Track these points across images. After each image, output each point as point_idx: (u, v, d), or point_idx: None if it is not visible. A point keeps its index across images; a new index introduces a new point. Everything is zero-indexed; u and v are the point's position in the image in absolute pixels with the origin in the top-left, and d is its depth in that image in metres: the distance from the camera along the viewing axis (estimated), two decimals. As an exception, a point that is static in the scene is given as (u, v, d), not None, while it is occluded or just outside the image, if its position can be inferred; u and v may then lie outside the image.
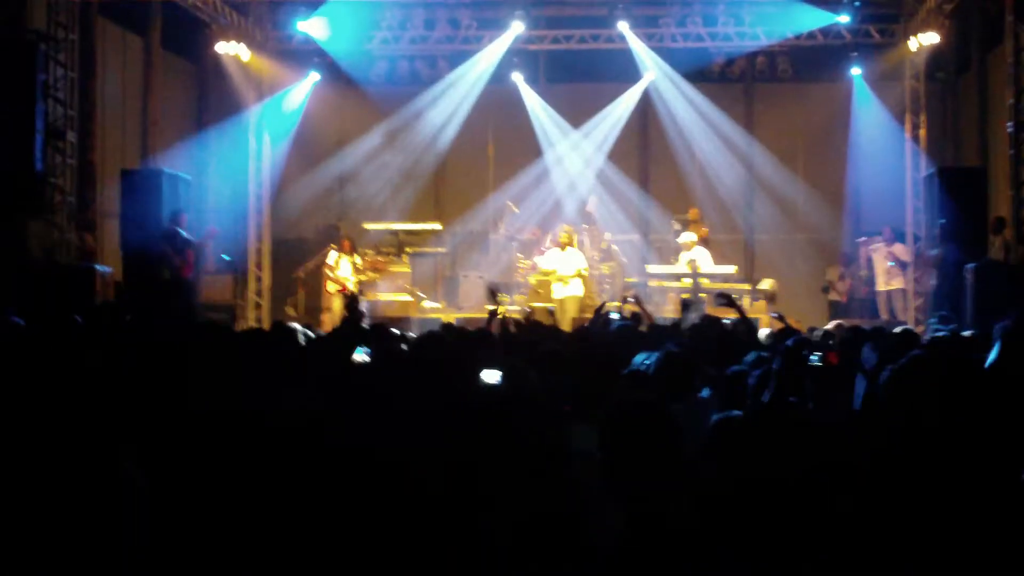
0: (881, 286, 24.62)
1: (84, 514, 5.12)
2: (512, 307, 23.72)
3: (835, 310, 25.10)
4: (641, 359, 8.33)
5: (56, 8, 20.56)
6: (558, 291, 22.97)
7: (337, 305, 23.28)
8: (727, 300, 13.10)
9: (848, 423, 6.80)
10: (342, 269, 24.13)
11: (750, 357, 8.14)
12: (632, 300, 17.53)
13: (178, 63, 28.16)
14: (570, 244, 23.13)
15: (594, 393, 7.14)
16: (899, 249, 24.59)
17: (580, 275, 23.02)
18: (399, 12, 26.80)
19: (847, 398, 7.82)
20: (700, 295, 22.28)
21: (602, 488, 5.85)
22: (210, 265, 25.13)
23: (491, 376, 8.04)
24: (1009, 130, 20.28)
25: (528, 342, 10.54)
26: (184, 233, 21.21)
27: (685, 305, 14.79)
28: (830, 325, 14.68)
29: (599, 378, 7.69)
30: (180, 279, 20.95)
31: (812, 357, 7.82)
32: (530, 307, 22.31)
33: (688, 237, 23.89)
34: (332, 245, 24.74)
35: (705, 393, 7.78)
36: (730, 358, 8.59)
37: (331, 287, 24.17)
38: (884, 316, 23.82)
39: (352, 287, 23.63)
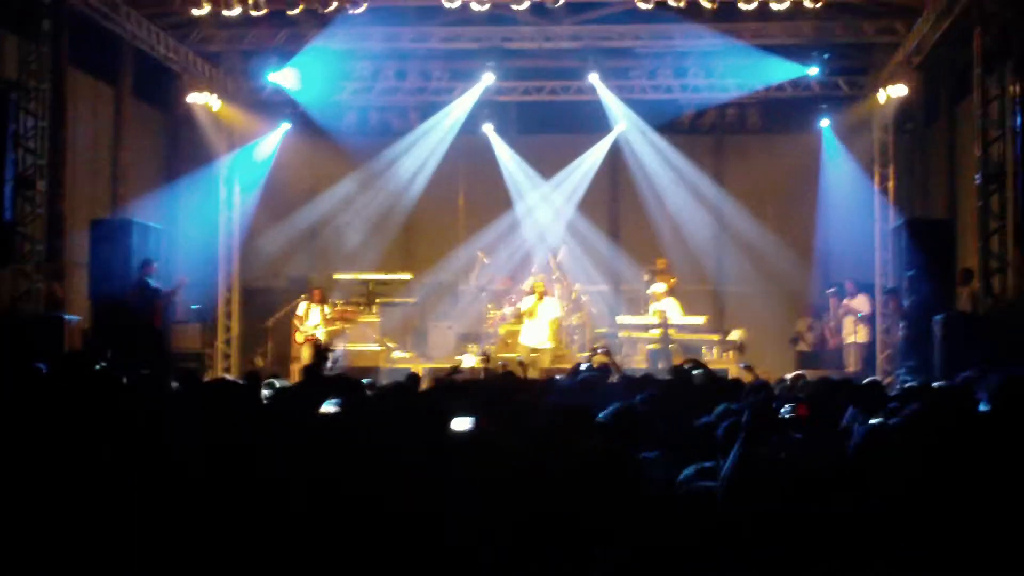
0: (846, 338, 24.64)
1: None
2: (481, 357, 23.75)
3: (803, 361, 25.11)
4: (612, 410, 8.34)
5: (27, 57, 20.58)
6: (527, 338, 22.94)
7: (306, 355, 23.23)
8: (694, 364, 13.11)
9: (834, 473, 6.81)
10: (311, 319, 24.11)
11: (719, 409, 8.16)
12: (602, 351, 17.57)
13: (149, 112, 28.13)
14: (546, 294, 23.18)
15: (560, 444, 7.15)
16: (859, 301, 24.61)
17: (552, 325, 23.06)
18: (370, 63, 26.85)
19: (822, 448, 7.80)
20: (670, 346, 22.33)
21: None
22: (180, 314, 25.06)
23: (462, 423, 8.06)
24: (977, 182, 20.37)
25: (499, 392, 10.54)
26: (153, 282, 21.20)
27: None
28: (791, 375, 14.66)
29: (565, 429, 7.68)
30: (149, 328, 20.91)
31: (783, 410, 7.86)
32: (501, 359, 22.27)
33: (657, 288, 23.93)
34: (302, 296, 24.73)
35: (651, 455, 7.70)
36: (701, 409, 8.63)
37: (299, 337, 24.14)
38: (850, 368, 23.81)
39: (321, 337, 23.60)
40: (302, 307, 24.31)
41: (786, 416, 7.86)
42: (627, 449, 7.27)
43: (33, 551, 6.10)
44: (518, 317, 23.63)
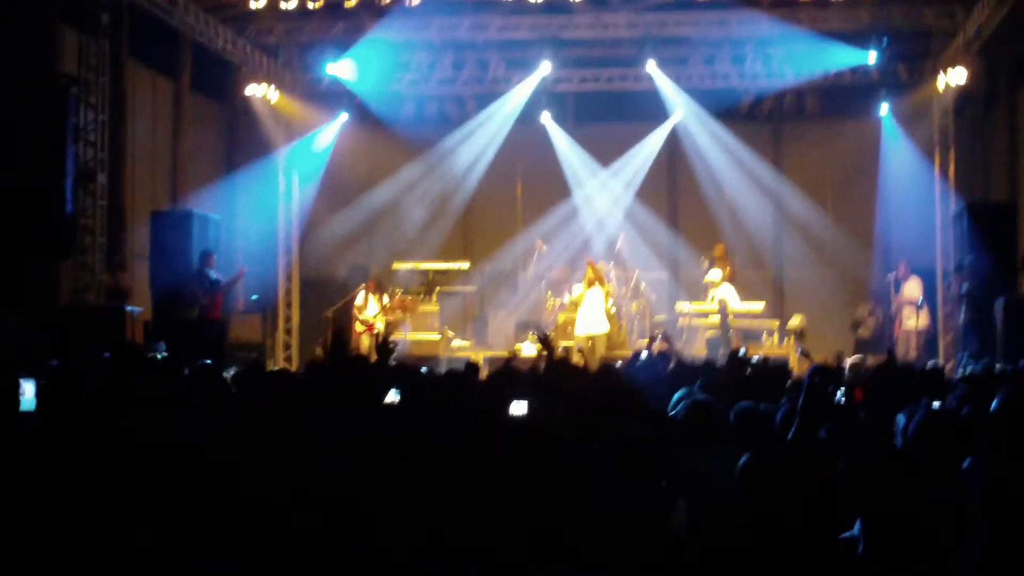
0: (905, 323, 24.44)
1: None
2: (538, 343, 23.72)
3: (862, 347, 24.94)
4: (677, 398, 8.32)
5: (86, 52, 20.73)
6: (581, 327, 22.86)
7: (365, 344, 23.29)
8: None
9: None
10: (369, 308, 24.18)
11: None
12: (662, 337, 17.54)
13: (208, 105, 28.28)
14: (596, 281, 23.04)
15: (612, 432, 7.15)
16: (910, 287, 24.40)
17: (607, 312, 22.99)
18: (427, 54, 26.89)
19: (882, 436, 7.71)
20: (729, 333, 22.29)
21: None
22: (240, 305, 25.20)
23: (519, 407, 8.07)
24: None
25: (554, 380, 10.54)
26: (213, 274, 21.31)
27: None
28: (851, 360, 14.60)
29: (619, 417, 7.68)
30: (208, 319, 21.04)
31: (838, 394, 7.80)
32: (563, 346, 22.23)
33: (714, 274, 23.88)
34: (361, 285, 24.78)
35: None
36: (763, 395, 8.59)
37: (358, 327, 24.19)
38: (909, 354, 23.62)
39: (380, 327, 23.66)
40: (360, 296, 24.37)
41: (841, 401, 7.82)
42: (672, 440, 7.26)
43: (92, 534, 6.15)
44: (572, 304, 23.58)
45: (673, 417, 8.00)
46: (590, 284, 22.91)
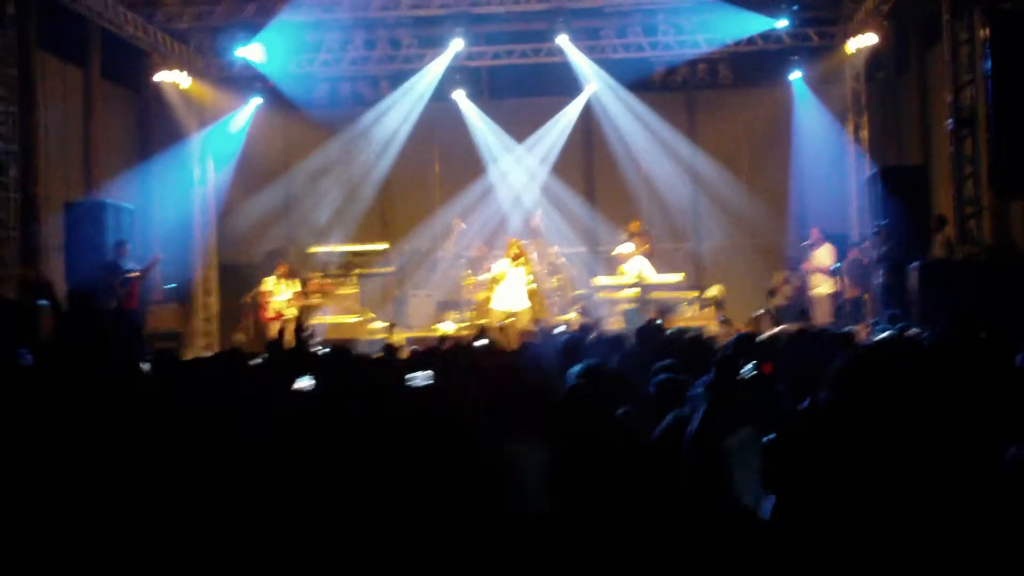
0: (814, 289, 24.50)
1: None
2: (462, 324, 23.74)
3: (778, 314, 25.04)
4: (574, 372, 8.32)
5: (-6, 43, 20.49)
6: (499, 302, 22.74)
7: (274, 331, 23.08)
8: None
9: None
10: (281, 295, 24.03)
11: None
12: (579, 311, 17.58)
13: (119, 93, 27.99)
14: (521, 256, 22.96)
15: (529, 410, 7.15)
16: (822, 253, 24.51)
17: (528, 285, 22.91)
18: (339, 34, 26.83)
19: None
20: (647, 305, 22.33)
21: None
22: (157, 294, 25.01)
23: (421, 379, 8.08)
24: (949, 127, 20.42)
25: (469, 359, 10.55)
26: (127, 263, 21.16)
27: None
28: (774, 330, 14.69)
29: (535, 395, 7.69)
30: (125, 309, 20.87)
31: (745, 369, 7.85)
32: (479, 325, 22.17)
33: (624, 248, 23.89)
34: (274, 272, 24.65)
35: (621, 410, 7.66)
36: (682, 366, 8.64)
37: (269, 313, 24.05)
38: (821, 320, 23.69)
39: (290, 313, 23.51)
40: (270, 282, 24.23)
41: (748, 376, 7.87)
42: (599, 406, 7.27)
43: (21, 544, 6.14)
44: (492, 281, 23.51)
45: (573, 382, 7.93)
46: (515, 260, 22.83)
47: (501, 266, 22.92)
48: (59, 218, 22.39)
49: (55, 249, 22.83)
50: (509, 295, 22.65)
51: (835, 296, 24.17)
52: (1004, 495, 5.33)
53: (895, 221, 21.53)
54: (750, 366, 7.97)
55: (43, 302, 18.34)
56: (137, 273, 21.42)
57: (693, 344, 10.81)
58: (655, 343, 11.37)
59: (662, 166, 28.45)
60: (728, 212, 28.59)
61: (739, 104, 29.05)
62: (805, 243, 24.96)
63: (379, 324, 24.62)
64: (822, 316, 23.59)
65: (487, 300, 23.57)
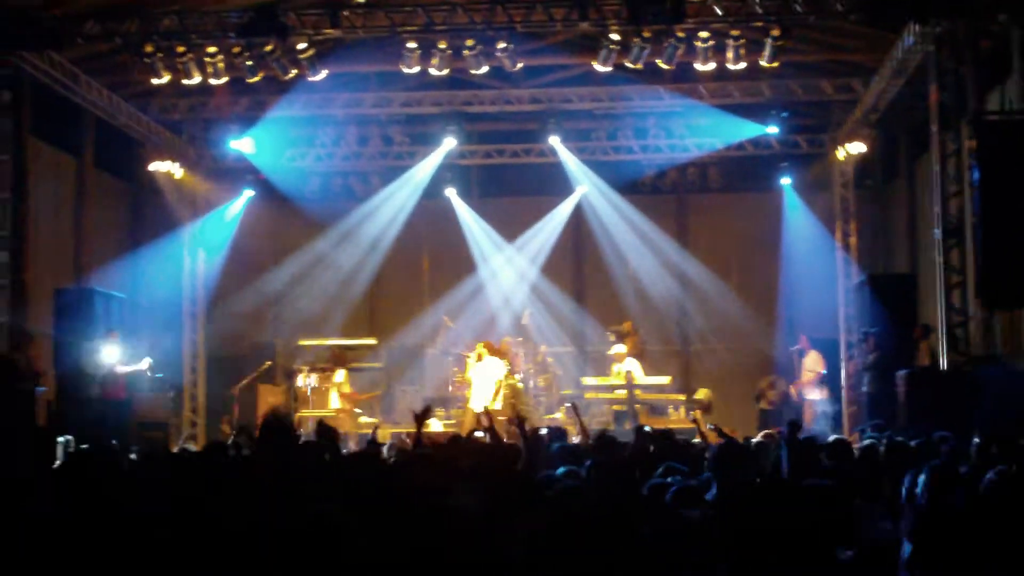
0: (806, 395, 24.54)
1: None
2: (448, 421, 23.71)
3: (765, 418, 25.02)
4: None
5: (-13, 129, 20.58)
6: (475, 402, 22.64)
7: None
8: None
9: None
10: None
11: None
12: (569, 408, 17.53)
13: (112, 182, 28.07)
14: (494, 354, 22.93)
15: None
16: (811, 360, 24.61)
17: (496, 385, 22.78)
18: (332, 129, 27.03)
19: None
20: (636, 406, 22.33)
21: None
22: (145, 384, 24.96)
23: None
24: (936, 237, 20.51)
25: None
26: (117, 353, 21.18)
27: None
28: (760, 436, 14.66)
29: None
30: (113, 400, 20.87)
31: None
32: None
33: (618, 348, 23.93)
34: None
35: None
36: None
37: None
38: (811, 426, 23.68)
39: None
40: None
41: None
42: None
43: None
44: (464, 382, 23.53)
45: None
46: (480, 358, 22.81)
47: (471, 367, 22.97)
48: (48, 305, 22.35)
49: (44, 336, 22.78)
50: (480, 394, 22.59)
51: (824, 404, 24.16)
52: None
53: (882, 329, 21.61)
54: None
55: (39, 389, 18.37)
56: (126, 368, 21.49)
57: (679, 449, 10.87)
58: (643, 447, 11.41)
59: (651, 268, 28.50)
60: (716, 316, 28.61)
61: (729, 208, 29.23)
62: (793, 348, 25.04)
63: (367, 419, 24.56)
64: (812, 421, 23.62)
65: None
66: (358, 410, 24.89)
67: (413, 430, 10.93)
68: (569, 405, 18.10)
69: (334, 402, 24.11)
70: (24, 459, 10.03)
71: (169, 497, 7.87)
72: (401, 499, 7.39)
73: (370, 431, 15.88)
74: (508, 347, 23.82)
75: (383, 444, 14.05)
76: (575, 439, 14.55)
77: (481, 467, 8.88)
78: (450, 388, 25.25)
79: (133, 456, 10.89)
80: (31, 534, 6.86)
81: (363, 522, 6.76)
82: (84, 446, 11.05)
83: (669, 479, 8.24)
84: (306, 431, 20.16)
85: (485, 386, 22.56)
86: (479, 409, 22.38)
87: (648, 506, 7.79)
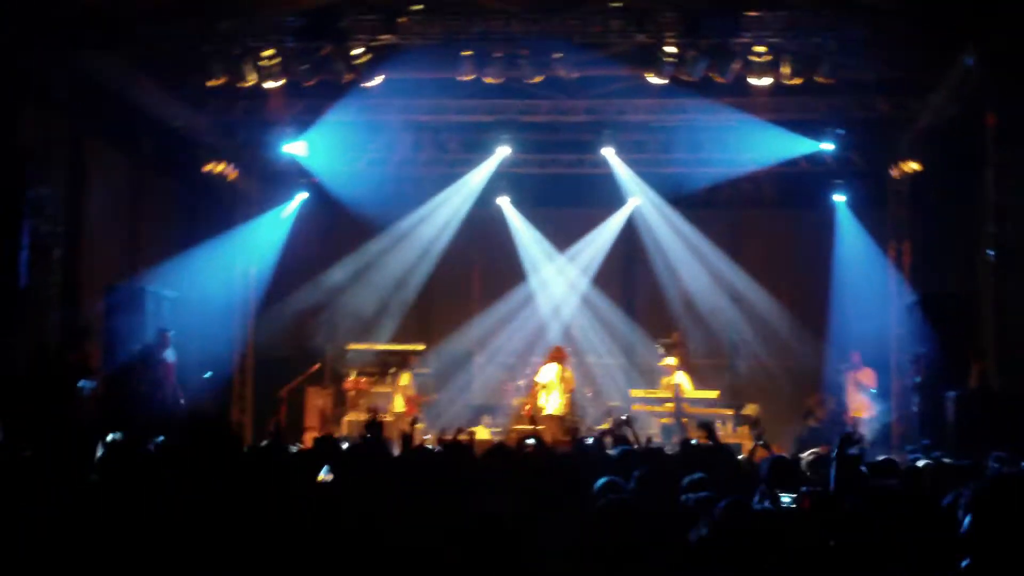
0: (856, 413, 24.42)
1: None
2: (495, 430, 23.73)
3: (812, 436, 24.89)
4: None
5: (47, 127, 20.68)
6: (551, 407, 22.76)
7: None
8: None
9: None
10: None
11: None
12: (621, 419, 17.53)
13: (166, 182, 28.16)
14: (558, 360, 23.08)
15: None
16: (864, 375, 24.48)
17: (563, 392, 22.90)
18: (386, 134, 27.05)
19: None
20: (682, 419, 22.29)
21: None
22: (194, 382, 25.07)
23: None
24: (991, 257, 20.37)
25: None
26: (169, 354, 21.33)
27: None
28: (807, 454, 14.64)
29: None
30: (162, 397, 20.99)
31: (787, 500, 7.90)
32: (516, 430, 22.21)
33: (669, 361, 23.91)
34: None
35: None
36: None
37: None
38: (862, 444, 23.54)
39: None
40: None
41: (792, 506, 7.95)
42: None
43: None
44: (533, 388, 23.54)
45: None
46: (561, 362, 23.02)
47: (549, 374, 23.03)
48: (100, 302, 22.49)
49: (95, 332, 22.92)
50: (552, 399, 22.73)
51: (875, 422, 24.03)
52: None
53: (933, 349, 21.47)
54: (790, 499, 8.02)
55: (85, 384, 18.47)
56: (172, 363, 21.62)
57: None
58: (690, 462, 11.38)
59: (702, 282, 28.35)
60: (767, 331, 28.47)
61: (781, 224, 29.12)
62: (844, 365, 24.89)
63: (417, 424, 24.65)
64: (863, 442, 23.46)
65: (528, 406, 23.60)
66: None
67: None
68: (623, 418, 18.08)
69: (398, 405, 24.21)
70: (75, 456, 10.04)
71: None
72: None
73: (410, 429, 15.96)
74: (568, 355, 23.90)
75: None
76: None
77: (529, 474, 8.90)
78: (501, 396, 25.30)
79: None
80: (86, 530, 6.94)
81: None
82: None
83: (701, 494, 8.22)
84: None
85: (553, 392, 22.69)
86: (554, 412, 22.52)
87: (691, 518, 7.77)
